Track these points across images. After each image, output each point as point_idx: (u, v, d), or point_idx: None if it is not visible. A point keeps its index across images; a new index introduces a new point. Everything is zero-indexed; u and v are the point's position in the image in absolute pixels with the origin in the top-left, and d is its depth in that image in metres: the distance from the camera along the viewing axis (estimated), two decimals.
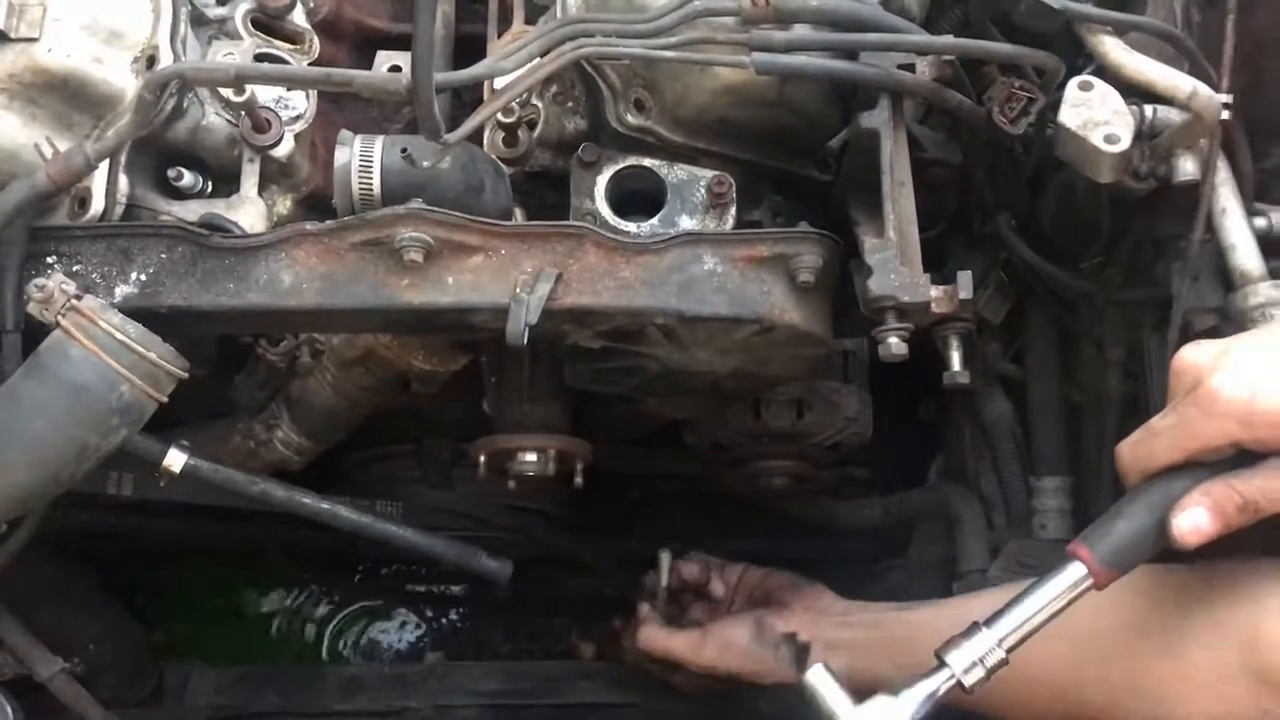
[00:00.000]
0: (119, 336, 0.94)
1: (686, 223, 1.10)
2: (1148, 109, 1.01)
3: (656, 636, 1.33)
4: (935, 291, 0.99)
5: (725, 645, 1.29)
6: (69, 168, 0.97)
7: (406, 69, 1.18)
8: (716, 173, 1.11)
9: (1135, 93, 1.01)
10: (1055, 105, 1.03)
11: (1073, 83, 1.01)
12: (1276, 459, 0.85)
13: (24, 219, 0.97)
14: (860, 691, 0.95)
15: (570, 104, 1.17)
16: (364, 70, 1.23)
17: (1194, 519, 0.85)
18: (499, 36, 1.26)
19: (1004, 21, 1.06)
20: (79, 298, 0.95)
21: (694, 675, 1.33)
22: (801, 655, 1.23)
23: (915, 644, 1.03)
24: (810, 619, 1.27)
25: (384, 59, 1.22)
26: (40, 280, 0.95)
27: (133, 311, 0.96)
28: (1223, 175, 1.02)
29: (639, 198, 1.12)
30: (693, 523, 1.69)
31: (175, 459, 1.06)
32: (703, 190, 1.11)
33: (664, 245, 1.02)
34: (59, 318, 0.94)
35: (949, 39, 1.06)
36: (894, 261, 0.99)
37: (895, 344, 0.99)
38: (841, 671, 0.96)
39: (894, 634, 1.18)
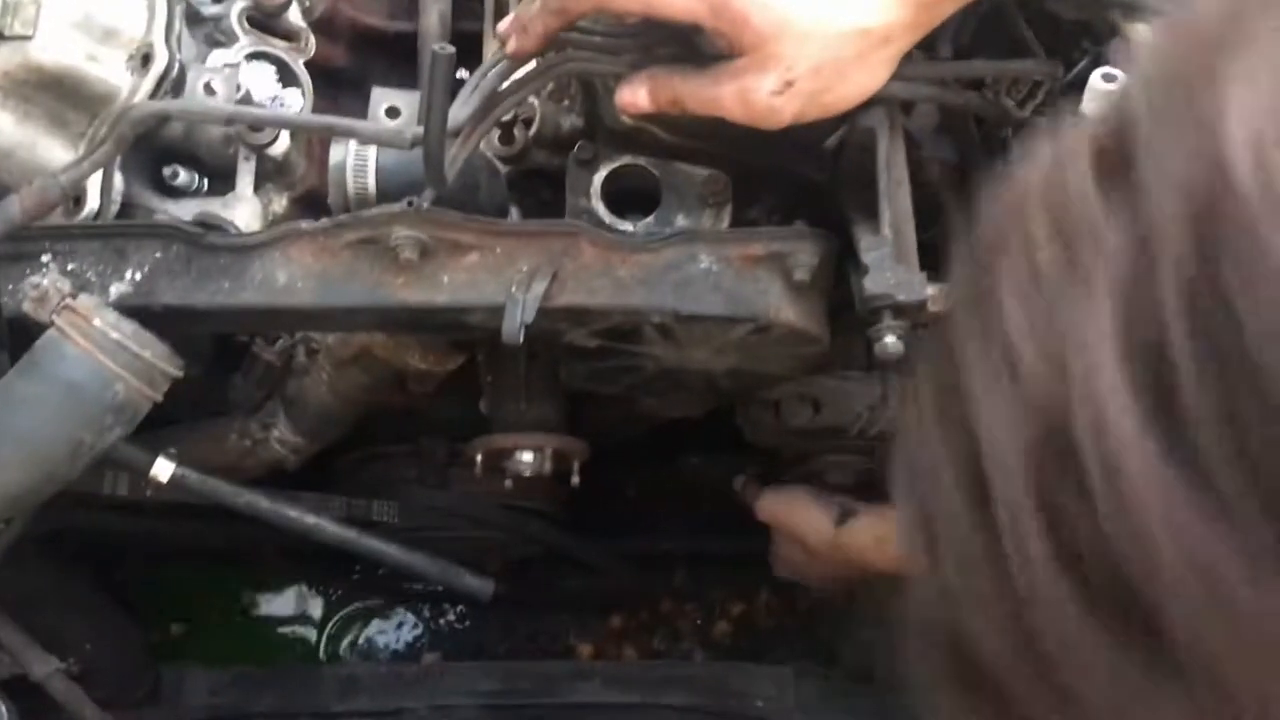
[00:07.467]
0: (114, 335, 0.94)
1: (682, 221, 1.09)
2: None
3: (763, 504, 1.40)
4: (931, 289, 0.99)
5: (778, 498, 1.37)
6: (43, 200, 0.97)
7: (402, 106, 1.17)
8: (712, 171, 1.10)
9: None
10: (1067, 91, 1.02)
11: (1096, 73, 1.00)
12: (724, 64, 0.89)
13: None
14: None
15: (566, 102, 1.16)
16: (364, 68, 1.23)
17: (634, 95, 0.94)
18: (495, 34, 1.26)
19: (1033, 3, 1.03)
20: (73, 296, 0.95)
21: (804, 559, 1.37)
22: (845, 515, 1.27)
23: None
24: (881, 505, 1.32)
25: (380, 97, 1.16)
26: (35, 279, 0.95)
27: (128, 310, 0.96)
28: None
29: (635, 196, 1.12)
30: (691, 521, 1.69)
31: (163, 468, 1.05)
32: (699, 189, 1.11)
33: (660, 244, 1.02)
34: (53, 316, 0.94)
35: (928, 62, 1.00)
36: (890, 259, 0.99)
37: (892, 342, 0.99)
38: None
39: None
